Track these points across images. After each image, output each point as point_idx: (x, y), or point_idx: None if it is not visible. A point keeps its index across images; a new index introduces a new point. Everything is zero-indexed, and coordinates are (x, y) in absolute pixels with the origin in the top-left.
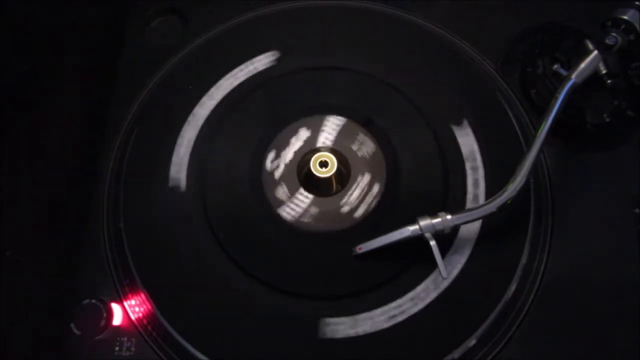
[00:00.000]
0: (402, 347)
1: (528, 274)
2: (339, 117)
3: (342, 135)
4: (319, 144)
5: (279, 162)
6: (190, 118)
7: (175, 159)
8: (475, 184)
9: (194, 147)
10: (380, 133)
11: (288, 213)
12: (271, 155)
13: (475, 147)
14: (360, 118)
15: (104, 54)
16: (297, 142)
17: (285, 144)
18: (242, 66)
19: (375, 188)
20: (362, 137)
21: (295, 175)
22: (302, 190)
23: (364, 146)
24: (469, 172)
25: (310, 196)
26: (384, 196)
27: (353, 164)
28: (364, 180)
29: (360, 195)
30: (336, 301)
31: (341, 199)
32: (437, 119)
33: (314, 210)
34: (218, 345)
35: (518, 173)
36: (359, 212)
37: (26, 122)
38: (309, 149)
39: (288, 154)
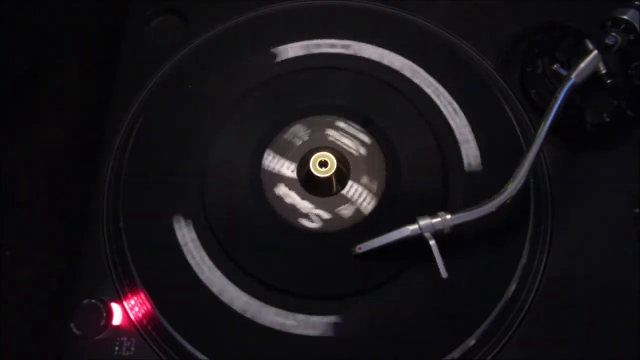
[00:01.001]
0: (402, 347)
1: (528, 274)
2: (337, 117)
3: (341, 134)
4: (318, 144)
5: (278, 163)
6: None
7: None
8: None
9: (194, 147)
10: (380, 133)
11: (290, 215)
12: (270, 156)
13: (475, 146)
14: (360, 118)
15: (104, 54)
16: (296, 143)
17: (284, 145)
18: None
19: (376, 186)
20: (361, 136)
21: (295, 176)
22: (303, 191)
23: (363, 145)
24: (469, 171)
25: (312, 197)
26: (384, 194)
27: (352, 163)
28: (364, 179)
29: (364, 189)
30: (336, 301)
31: (342, 199)
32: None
33: (315, 211)
34: (218, 345)
35: (518, 173)
36: (365, 206)
37: (26, 122)
38: (309, 150)
39: (287, 155)
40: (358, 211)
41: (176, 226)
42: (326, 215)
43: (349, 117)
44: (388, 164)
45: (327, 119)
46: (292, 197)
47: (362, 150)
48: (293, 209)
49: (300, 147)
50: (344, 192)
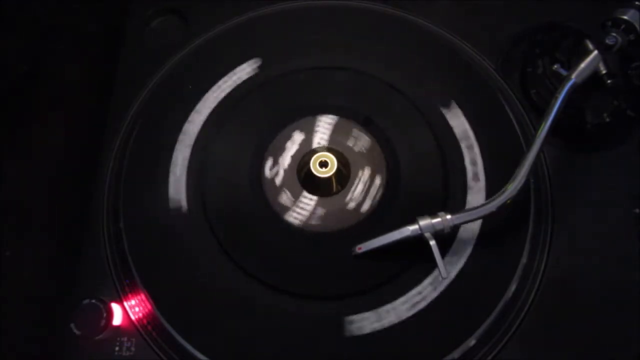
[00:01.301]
0: (402, 347)
1: (528, 274)
2: (330, 116)
3: (336, 133)
4: (315, 144)
5: (277, 168)
6: (190, 118)
7: (175, 158)
8: (476, 183)
9: (194, 147)
10: (380, 133)
11: (295, 218)
12: (269, 162)
13: (476, 146)
14: (360, 118)
15: (104, 54)
16: (292, 146)
17: (281, 149)
18: (241, 66)
19: (377, 180)
20: (356, 132)
21: (296, 179)
22: (305, 193)
23: (360, 141)
24: (469, 171)
25: (315, 197)
26: (384, 194)
27: (351, 160)
28: (365, 174)
29: (364, 189)
30: (336, 301)
31: (346, 196)
32: (437, 119)
33: (320, 211)
34: (218, 345)
35: (518, 173)
36: (365, 206)
37: (26, 122)
38: (306, 152)
39: (286, 159)
40: (364, 205)
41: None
42: (333, 215)
43: (346, 116)
44: (388, 164)
45: (319, 119)
46: (296, 201)
47: (359, 145)
48: (299, 212)
49: (297, 150)
50: (348, 188)
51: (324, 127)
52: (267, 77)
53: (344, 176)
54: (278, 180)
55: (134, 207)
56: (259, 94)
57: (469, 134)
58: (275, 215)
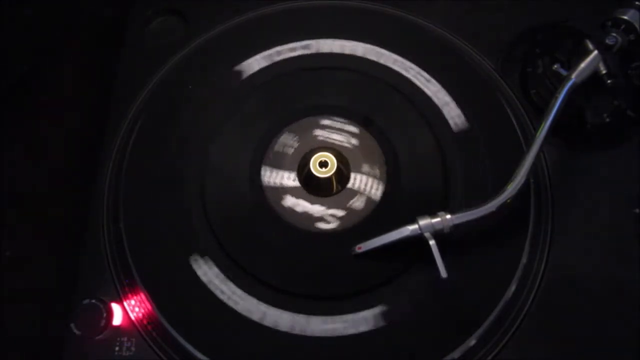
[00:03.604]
0: (402, 347)
1: (528, 274)
2: (315, 117)
3: (329, 131)
4: (310, 146)
5: (277, 174)
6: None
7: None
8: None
9: (195, 147)
10: (380, 133)
11: (288, 214)
12: (267, 170)
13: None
14: (359, 117)
15: (104, 54)
16: (290, 150)
17: (279, 155)
18: (242, 66)
19: (378, 165)
20: (348, 128)
21: (299, 184)
22: (311, 196)
23: (353, 136)
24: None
25: (319, 198)
26: (386, 189)
27: (349, 155)
28: (365, 167)
29: (368, 177)
30: (335, 301)
31: (350, 192)
32: (437, 119)
33: (332, 210)
34: (218, 345)
35: (518, 173)
36: (374, 193)
37: (26, 122)
38: (303, 154)
39: (285, 165)
40: (371, 197)
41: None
42: (340, 212)
43: (344, 115)
44: (388, 164)
45: (309, 121)
46: (290, 197)
47: (353, 141)
48: (290, 208)
49: (294, 154)
50: (351, 184)
51: (318, 128)
52: (267, 77)
53: (344, 176)
54: (279, 184)
55: (134, 207)
56: (259, 95)
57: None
58: (274, 215)
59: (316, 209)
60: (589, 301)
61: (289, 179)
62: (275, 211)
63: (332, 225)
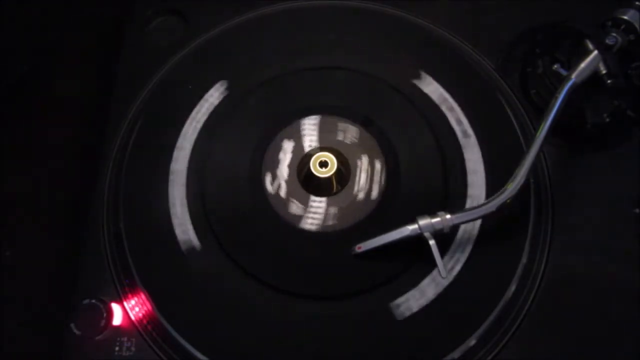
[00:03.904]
0: (402, 347)
1: (528, 274)
2: (313, 117)
3: (324, 131)
4: (307, 148)
5: (277, 174)
6: (190, 118)
7: (175, 159)
8: (476, 183)
9: (195, 147)
10: (380, 133)
11: (311, 224)
12: (267, 169)
13: (476, 146)
14: (360, 118)
15: (104, 54)
16: (286, 156)
17: (276, 161)
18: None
19: (378, 165)
20: (342, 125)
21: (299, 186)
22: (312, 197)
23: (349, 132)
24: (469, 171)
25: (323, 199)
26: (386, 188)
27: (347, 152)
28: (364, 162)
29: (368, 177)
30: (335, 301)
31: (353, 189)
32: (437, 119)
33: (332, 210)
34: (218, 345)
35: (518, 172)
36: (374, 193)
37: (26, 122)
38: (300, 158)
39: (283, 170)
40: (373, 192)
41: (176, 226)
42: (346, 210)
43: (345, 116)
44: (388, 164)
45: (302, 123)
46: (290, 197)
47: (349, 137)
48: (291, 208)
49: (291, 159)
50: (352, 180)
51: (310, 128)
52: (267, 77)
53: (343, 176)
54: (279, 184)
55: (134, 207)
56: (259, 95)
57: (468, 134)
58: (274, 214)
59: (316, 209)
60: (589, 301)
61: (289, 178)
62: (275, 211)
63: (332, 224)
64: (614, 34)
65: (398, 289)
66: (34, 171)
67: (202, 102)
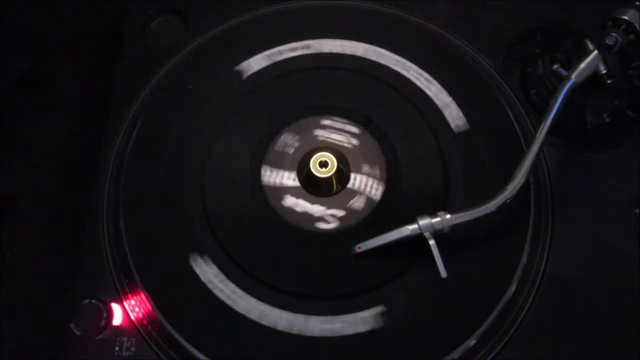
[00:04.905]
0: (402, 347)
1: (528, 274)
2: (313, 117)
3: (324, 131)
4: (307, 148)
5: (277, 174)
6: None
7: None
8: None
9: (195, 147)
10: (380, 133)
11: (311, 224)
12: (267, 170)
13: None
14: (359, 117)
15: (104, 54)
16: (286, 156)
17: (276, 161)
18: (242, 66)
19: (378, 165)
20: (342, 125)
21: (299, 186)
22: (312, 197)
23: (349, 132)
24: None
25: (319, 198)
26: (386, 188)
27: (349, 155)
28: (365, 167)
29: (368, 177)
30: (335, 301)
31: (353, 189)
32: (437, 119)
33: (332, 210)
34: (218, 345)
35: (517, 172)
36: (374, 193)
37: (26, 122)
38: (303, 154)
39: (283, 170)
40: (372, 196)
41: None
42: (344, 211)
43: (343, 115)
44: (388, 164)
45: (308, 121)
46: (290, 197)
47: (352, 140)
48: (290, 208)
49: (294, 154)
50: (352, 183)
51: (318, 128)
52: (267, 77)
53: (344, 176)
54: (279, 184)
55: (134, 207)
56: (258, 95)
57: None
58: (274, 214)
59: (316, 209)
60: (589, 301)
61: (289, 178)
62: (275, 211)
63: (332, 225)
64: (614, 34)
65: (398, 289)
66: (34, 171)
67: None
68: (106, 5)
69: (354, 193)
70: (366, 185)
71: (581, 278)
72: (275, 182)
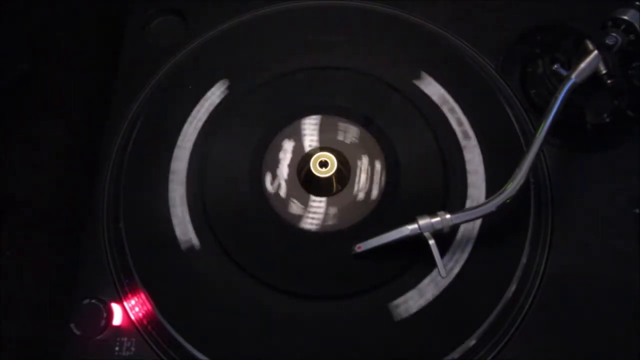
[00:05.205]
0: (402, 347)
1: (528, 274)
2: (313, 117)
3: (324, 131)
4: (307, 148)
5: (277, 174)
6: (190, 118)
7: (175, 158)
8: (476, 183)
9: (195, 147)
10: (380, 133)
11: (311, 224)
12: (267, 170)
13: (476, 146)
14: (360, 118)
15: (104, 54)
16: (286, 156)
17: (276, 161)
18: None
19: (378, 165)
20: (342, 125)
21: (299, 186)
22: (312, 197)
23: (349, 133)
24: (469, 171)
25: (323, 199)
26: (386, 188)
27: (347, 152)
28: (364, 162)
29: (368, 177)
30: (335, 301)
31: (353, 189)
32: (437, 119)
33: (332, 210)
34: (218, 345)
35: (517, 172)
36: (374, 192)
37: (26, 122)
38: (300, 157)
39: (283, 170)
40: (373, 193)
41: (176, 226)
42: (346, 210)
43: (345, 116)
44: (388, 164)
45: (303, 123)
46: (290, 196)
47: (349, 137)
48: (291, 208)
49: (292, 158)
50: (352, 180)
51: (310, 128)
52: (267, 77)
53: (344, 176)
54: (279, 184)
55: (134, 207)
56: (259, 95)
57: (468, 134)
58: (274, 214)
59: (316, 209)
60: (589, 301)
61: (289, 178)
62: (275, 211)
63: (332, 224)
64: (614, 34)
65: (398, 289)
66: (34, 171)
67: (202, 101)
68: (106, 5)
69: (354, 193)
70: (366, 185)
71: (581, 278)
72: (275, 182)
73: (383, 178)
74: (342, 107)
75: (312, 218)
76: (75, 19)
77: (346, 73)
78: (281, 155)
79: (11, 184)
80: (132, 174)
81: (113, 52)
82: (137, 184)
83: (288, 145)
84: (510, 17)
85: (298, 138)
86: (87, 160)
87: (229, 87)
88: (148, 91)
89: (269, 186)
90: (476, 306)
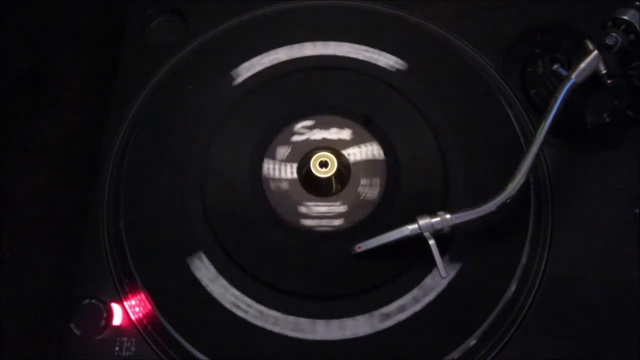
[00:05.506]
0: (402, 347)
1: (528, 274)
2: (313, 116)
3: (324, 131)
4: (307, 148)
5: (277, 174)
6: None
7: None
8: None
9: (195, 147)
10: (380, 133)
11: (312, 224)
12: (267, 170)
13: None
14: (360, 118)
15: (104, 54)
16: (286, 156)
17: (276, 161)
18: (242, 66)
19: (378, 165)
20: (342, 125)
21: (300, 186)
22: (312, 197)
23: (349, 132)
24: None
25: (319, 198)
26: (386, 188)
27: (347, 152)
28: (365, 167)
29: (368, 177)
30: (335, 301)
31: (353, 189)
32: (437, 119)
33: (332, 210)
34: (218, 345)
35: (517, 172)
36: (374, 193)
37: (26, 122)
38: (303, 154)
39: (283, 170)
40: (372, 194)
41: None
42: (345, 210)
43: (344, 115)
44: (388, 164)
45: (309, 120)
46: (290, 196)
47: (352, 139)
48: (291, 208)
49: (295, 153)
50: (351, 182)
51: (318, 127)
52: (267, 77)
53: (343, 176)
54: (279, 184)
55: (134, 207)
56: (259, 95)
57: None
58: (274, 215)
59: (316, 209)
60: (589, 301)
61: (289, 178)
62: (275, 211)
63: (332, 225)
64: (614, 34)
65: (398, 289)
66: (34, 171)
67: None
68: (107, 5)
69: (354, 193)
70: (366, 185)
71: (581, 278)
72: (275, 183)
73: (383, 178)
74: (342, 107)
75: (313, 218)
76: (75, 19)
77: (346, 73)
78: (281, 155)
79: (11, 184)
80: (132, 173)
81: (113, 52)
82: (137, 184)
83: (288, 145)
84: (510, 17)
85: (298, 138)
86: (87, 159)
87: (228, 87)
88: (148, 91)
89: (269, 186)
90: (476, 306)
